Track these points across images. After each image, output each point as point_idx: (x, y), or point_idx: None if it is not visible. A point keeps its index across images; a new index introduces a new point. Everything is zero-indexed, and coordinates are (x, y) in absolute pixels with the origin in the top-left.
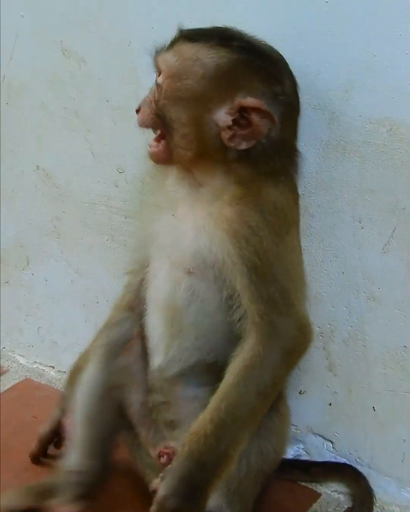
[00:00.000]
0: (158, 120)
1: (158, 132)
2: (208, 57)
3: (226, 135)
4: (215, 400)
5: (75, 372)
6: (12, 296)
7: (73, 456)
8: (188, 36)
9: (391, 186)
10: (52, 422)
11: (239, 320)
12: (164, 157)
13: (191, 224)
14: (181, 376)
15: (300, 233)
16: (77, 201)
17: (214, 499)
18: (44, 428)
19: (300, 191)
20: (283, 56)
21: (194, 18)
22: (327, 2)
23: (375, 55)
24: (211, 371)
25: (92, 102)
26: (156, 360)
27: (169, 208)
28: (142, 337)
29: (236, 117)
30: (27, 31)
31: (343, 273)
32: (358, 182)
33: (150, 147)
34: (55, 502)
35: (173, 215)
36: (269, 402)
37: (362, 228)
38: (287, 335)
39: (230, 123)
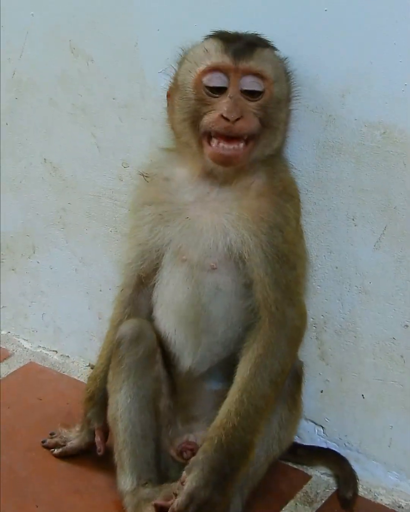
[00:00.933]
0: (260, 125)
1: (246, 137)
2: (281, 60)
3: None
4: (235, 393)
5: (97, 394)
6: (18, 282)
7: (136, 476)
8: (260, 41)
9: (384, 186)
10: (82, 440)
11: (251, 310)
12: (243, 159)
13: (211, 221)
14: (208, 373)
15: None
16: (83, 194)
17: None
18: (72, 443)
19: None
20: None
21: (198, 23)
22: (326, 10)
23: (371, 63)
24: (230, 364)
25: (99, 99)
26: (186, 362)
27: (179, 214)
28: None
29: None
30: (37, 29)
31: (336, 267)
32: (353, 182)
33: (228, 150)
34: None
35: (187, 218)
36: (279, 390)
37: (355, 225)
38: (293, 324)
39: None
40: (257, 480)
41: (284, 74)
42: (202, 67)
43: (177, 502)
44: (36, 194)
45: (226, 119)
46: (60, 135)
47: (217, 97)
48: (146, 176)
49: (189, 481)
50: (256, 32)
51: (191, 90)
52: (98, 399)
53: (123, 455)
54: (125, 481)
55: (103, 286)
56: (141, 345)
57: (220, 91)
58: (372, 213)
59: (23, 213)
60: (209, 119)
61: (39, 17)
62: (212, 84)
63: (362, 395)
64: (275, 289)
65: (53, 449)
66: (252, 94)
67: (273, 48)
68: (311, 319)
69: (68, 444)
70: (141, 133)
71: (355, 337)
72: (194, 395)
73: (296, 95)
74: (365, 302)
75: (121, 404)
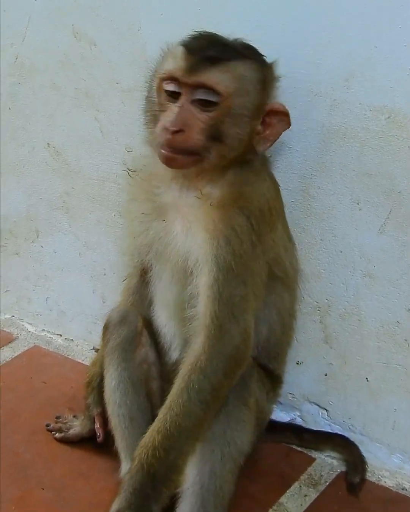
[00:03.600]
0: (205, 139)
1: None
2: (252, 72)
3: (257, 139)
4: (162, 410)
5: (94, 378)
6: (21, 267)
7: (131, 459)
8: (227, 54)
9: (388, 170)
10: (83, 428)
11: (189, 320)
12: (187, 165)
13: (180, 227)
14: None
15: (299, 214)
16: (86, 178)
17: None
18: (74, 430)
19: (302, 173)
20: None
21: (202, 7)
22: None
23: (376, 46)
24: None
25: (102, 83)
26: (174, 354)
27: (159, 214)
28: (148, 329)
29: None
30: (39, 13)
31: (341, 251)
32: (357, 166)
33: (167, 153)
34: None
35: (164, 221)
36: (212, 411)
37: (359, 209)
38: (231, 342)
39: (261, 128)
40: (229, 493)
41: (254, 86)
42: (161, 74)
43: None
44: (40, 179)
45: (167, 130)
46: (63, 120)
47: (170, 105)
48: (131, 172)
49: (113, 504)
50: (239, 38)
51: (154, 93)
52: (96, 385)
53: (116, 439)
54: (122, 467)
55: (107, 270)
56: (124, 328)
57: (174, 99)
58: (377, 197)
59: (27, 197)
60: (157, 128)
61: (41, 2)
62: (168, 89)
63: (366, 378)
64: (214, 300)
65: (55, 433)
66: (204, 105)
67: (251, 58)
68: (315, 303)
69: (71, 431)
70: None
71: (359, 320)
72: None
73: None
74: (369, 286)
75: (108, 386)
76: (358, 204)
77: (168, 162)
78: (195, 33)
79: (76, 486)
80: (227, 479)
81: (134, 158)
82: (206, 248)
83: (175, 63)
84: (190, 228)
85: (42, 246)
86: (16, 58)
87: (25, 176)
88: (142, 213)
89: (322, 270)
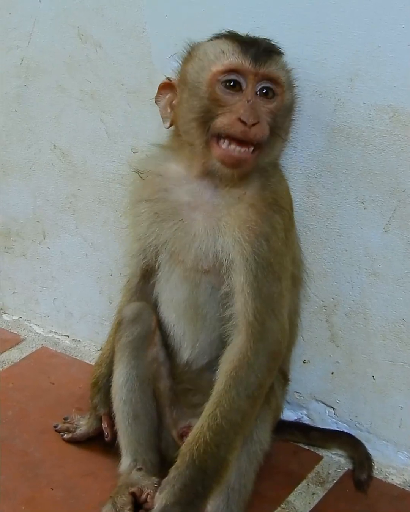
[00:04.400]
0: (269, 133)
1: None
2: (290, 68)
3: None
4: (209, 407)
5: (100, 379)
6: (29, 268)
7: (131, 456)
8: (275, 48)
9: (392, 169)
10: (90, 427)
11: (228, 320)
12: (251, 163)
13: (204, 226)
14: (207, 365)
15: (304, 213)
16: (92, 179)
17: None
18: (81, 429)
19: (307, 172)
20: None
21: (206, 9)
22: None
23: (379, 46)
24: None
25: (108, 85)
26: (184, 355)
27: (173, 214)
28: (159, 328)
29: None
30: (45, 16)
31: (346, 250)
32: (361, 165)
33: (238, 153)
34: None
35: (181, 220)
36: (257, 405)
37: (364, 208)
38: (273, 338)
39: None
40: (250, 491)
41: (292, 83)
42: (219, 67)
43: None
44: (46, 180)
45: (243, 122)
46: (69, 121)
47: (232, 98)
48: (141, 173)
49: (159, 500)
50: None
51: (205, 89)
52: (103, 385)
53: (119, 434)
54: (122, 462)
55: (114, 270)
56: (137, 326)
57: (235, 92)
58: (381, 196)
59: (33, 199)
60: (224, 121)
61: (47, 4)
62: (229, 84)
63: (372, 376)
64: (255, 298)
65: (63, 434)
66: (266, 98)
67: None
68: (321, 302)
69: (78, 431)
70: (150, 119)
71: (365, 319)
72: (194, 385)
73: (299, 105)
74: (374, 284)
75: (115, 382)
76: (362, 203)
77: (234, 163)
78: (224, 31)
79: (85, 485)
80: (251, 477)
81: (139, 160)
82: (242, 246)
83: (235, 56)
84: (218, 227)
85: (49, 248)
86: (22, 60)
87: (31, 178)
88: (155, 213)
89: (327, 269)
